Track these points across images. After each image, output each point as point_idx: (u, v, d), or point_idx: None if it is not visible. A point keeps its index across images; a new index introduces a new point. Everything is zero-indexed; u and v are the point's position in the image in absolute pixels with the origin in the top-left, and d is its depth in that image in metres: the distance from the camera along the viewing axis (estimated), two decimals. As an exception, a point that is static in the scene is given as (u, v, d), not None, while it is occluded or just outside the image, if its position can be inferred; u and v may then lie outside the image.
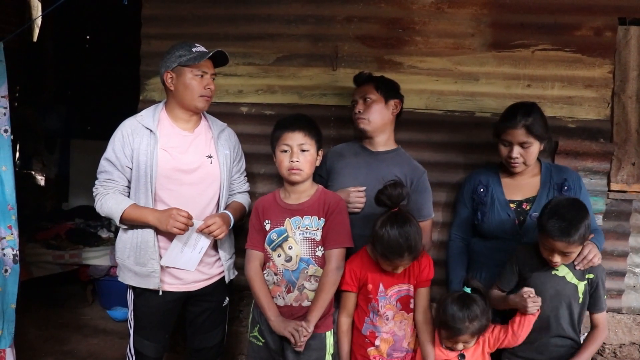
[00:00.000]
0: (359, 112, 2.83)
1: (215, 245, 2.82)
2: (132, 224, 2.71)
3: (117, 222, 2.70)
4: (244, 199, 2.95)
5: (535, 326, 2.50)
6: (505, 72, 3.23)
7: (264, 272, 2.63)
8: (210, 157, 2.78)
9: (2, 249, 3.08)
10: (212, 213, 2.79)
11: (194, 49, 2.69)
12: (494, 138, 2.84)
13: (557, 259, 2.43)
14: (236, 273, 2.96)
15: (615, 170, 3.23)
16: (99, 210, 2.75)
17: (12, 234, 3.11)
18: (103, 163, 2.74)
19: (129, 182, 2.73)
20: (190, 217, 2.60)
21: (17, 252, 3.13)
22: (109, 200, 2.69)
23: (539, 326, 2.52)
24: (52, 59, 7.35)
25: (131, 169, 2.70)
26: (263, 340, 2.65)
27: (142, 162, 2.66)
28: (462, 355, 2.58)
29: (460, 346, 2.52)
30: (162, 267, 2.70)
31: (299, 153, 2.55)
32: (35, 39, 7.35)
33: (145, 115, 2.75)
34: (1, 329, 3.10)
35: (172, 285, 2.75)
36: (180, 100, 2.72)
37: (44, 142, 7.00)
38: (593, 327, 2.59)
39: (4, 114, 3.07)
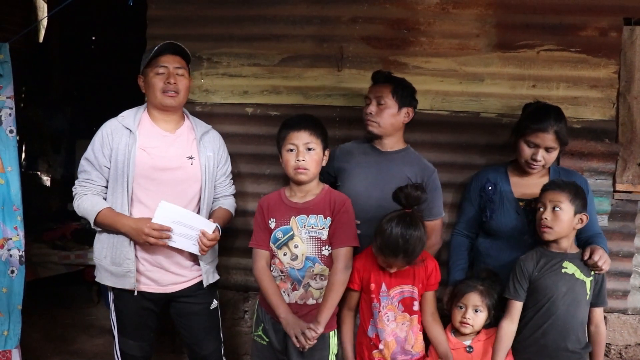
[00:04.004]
0: (371, 113, 2.81)
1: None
2: (106, 228, 2.70)
3: (92, 225, 2.70)
4: (229, 204, 2.93)
5: (552, 329, 2.54)
6: (510, 73, 3.22)
7: (270, 268, 2.64)
8: (191, 158, 2.76)
9: (9, 250, 3.09)
10: (195, 212, 2.74)
11: (154, 48, 2.71)
12: (513, 137, 2.84)
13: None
14: (217, 277, 2.90)
15: (620, 171, 3.22)
16: (76, 210, 2.74)
17: (17, 235, 3.12)
18: (82, 163, 2.75)
19: (107, 182, 2.72)
20: (164, 229, 2.58)
21: (23, 253, 3.14)
22: (85, 201, 2.69)
23: (555, 329, 2.54)
24: (58, 60, 7.38)
25: (109, 169, 2.70)
26: (267, 340, 2.65)
27: (120, 161, 2.66)
28: (470, 347, 2.63)
29: (469, 314, 2.59)
30: (137, 268, 2.68)
31: (305, 152, 2.55)
32: (41, 40, 7.38)
33: (126, 116, 2.76)
34: (7, 330, 3.11)
35: (148, 286, 2.72)
36: (150, 100, 2.75)
37: (49, 143, 7.02)
38: (596, 323, 2.62)
39: (10, 115, 3.08)
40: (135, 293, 2.70)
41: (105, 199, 2.72)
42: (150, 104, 2.78)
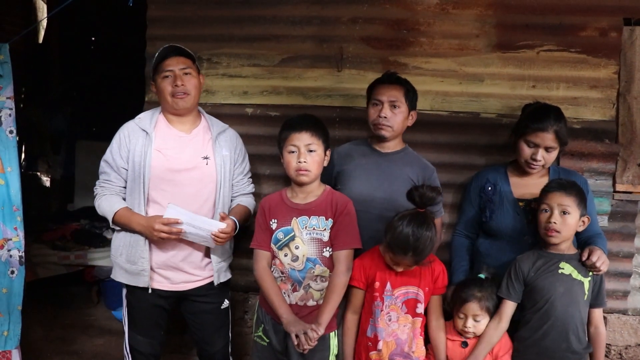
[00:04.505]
0: (385, 117, 2.76)
1: (207, 248, 2.80)
2: (124, 228, 2.75)
3: (110, 224, 2.77)
4: (248, 202, 2.94)
5: (552, 330, 2.54)
6: (510, 73, 3.22)
7: (271, 269, 2.64)
8: (206, 158, 2.78)
9: (9, 251, 3.09)
10: (208, 214, 2.76)
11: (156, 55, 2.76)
12: (513, 137, 2.84)
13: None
14: (229, 276, 2.93)
15: (620, 171, 3.22)
16: (97, 210, 2.81)
17: (17, 235, 3.12)
18: (102, 164, 2.81)
19: (126, 182, 2.78)
20: (172, 222, 2.59)
21: (23, 253, 3.14)
22: (104, 201, 2.76)
23: (554, 330, 2.54)
24: (58, 61, 7.38)
25: (127, 170, 2.75)
26: (267, 340, 2.65)
27: (136, 162, 2.70)
28: (465, 343, 2.65)
29: (470, 323, 2.59)
30: (151, 266, 2.73)
31: (307, 154, 2.54)
32: (40, 40, 7.38)
33: (143, 118, 2.80)
34: (7, 330, 3.11)
35: (161, 283, 2.77)
36: (163, 105, 2.79)
37: (49, 143, 7.02)
38: (596, 324, 2.62)
39: (10, 115, 3.08)
40: (150, 291, 2.74)
41: (124, 199, 2.78)
42: (164, 109, 2.81)
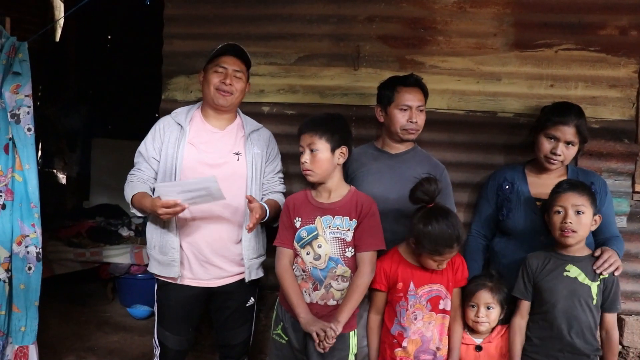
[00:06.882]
0: (416, 122, 2.81)
1: (240, 241, 2.83)
2: (142, 212, 2.79)
3: (131, 208, 2.83)
4: (278, 198, 2.95)
5: (557, 331, 2.53)
6: (528, 72, 3.20)
7: (292, 267, 2.64)
8: (237, 154, 2.82)
9: (26, 247, 3.11)
10: (238, 208, 2.79)
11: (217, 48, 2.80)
12: (533, 134, 2.83)
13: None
14: (261, 275, 2.94)
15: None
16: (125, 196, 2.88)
17: (35, 232, 3.14)
18: (136, 154, 2.90)
19: (156, 173, 2.83)
20: (170, 204, 2.56)
21: (40, 250, 3.16)
22: (128, 187, 2.85)
23: (560, 332, 2.52)
24: (74, 59, 7.43)
25: (158, 162, 2.81)
26: (286, 339, 2.66)
27: (169, 155, 2.77)
28: (479, 347, 2.65)
29: (482, 312, 2.60)
30: (181, 259, 2.77)
31: (309, 153, 2.57)
32: (57, 38, 7.43)
33: (179, 112, 2.89)
34: (25, 326, 3.14)
35: (192, 280, 2.80)
36: (204, 96, 2.85)
37: (65, 141, 7.07)
38: (607, 329, 2.58)
39: (28, 113, 3.10)
40: (178, 280, 2.79)
41: (153, 189, 2.81)
42: (204, 102, 2.87)
